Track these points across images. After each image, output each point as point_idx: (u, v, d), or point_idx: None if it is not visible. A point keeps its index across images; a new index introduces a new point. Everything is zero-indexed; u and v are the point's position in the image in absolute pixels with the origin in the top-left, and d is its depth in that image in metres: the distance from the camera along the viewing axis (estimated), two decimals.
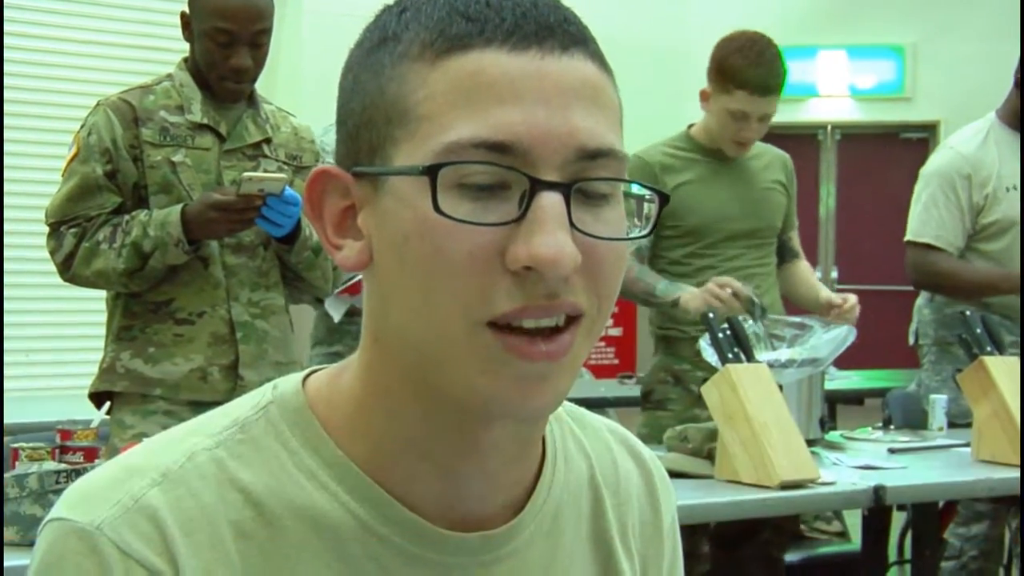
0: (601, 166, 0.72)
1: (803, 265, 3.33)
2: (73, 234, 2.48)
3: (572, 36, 0.73)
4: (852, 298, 3.09)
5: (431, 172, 0.70)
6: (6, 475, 1.96)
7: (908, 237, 3.52)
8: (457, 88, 0.71)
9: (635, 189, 0.76)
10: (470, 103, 0.70)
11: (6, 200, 5.75)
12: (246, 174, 2.42)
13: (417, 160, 0.71)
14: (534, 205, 0.70)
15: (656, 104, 6.94)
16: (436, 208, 0.70)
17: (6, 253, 5.79)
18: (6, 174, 5.84)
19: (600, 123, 0.72)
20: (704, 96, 3.12)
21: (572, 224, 0.71)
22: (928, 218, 3.46)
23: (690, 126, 3.22)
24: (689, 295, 2.91)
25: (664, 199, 0.76)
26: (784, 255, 3.29)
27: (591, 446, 0.87)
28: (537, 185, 0.70)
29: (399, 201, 0.72)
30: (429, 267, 0.71)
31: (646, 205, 0.76)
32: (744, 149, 3.14)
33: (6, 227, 5.72)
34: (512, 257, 0.70)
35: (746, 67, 2.99)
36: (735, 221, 3.12)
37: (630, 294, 3.09)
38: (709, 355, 2.65)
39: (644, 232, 0.76)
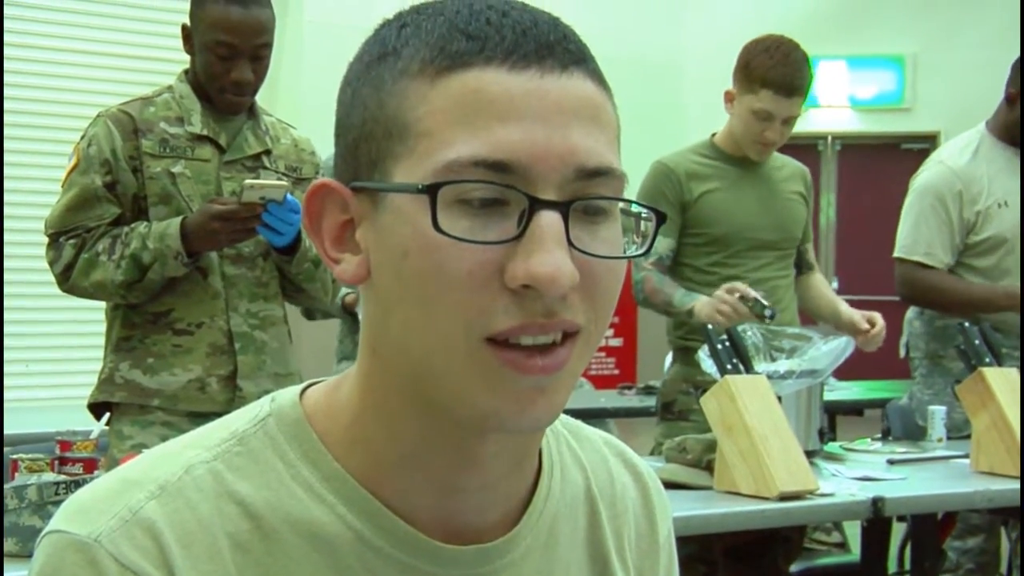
0: (600, 184, 0.73)
1: (819, 278, 3.34)
2: (72, 245, 2.48)
3: (572, 55, 0.74)
4: (879, 322, 3.07)
5: (431, 191, 0.70)
6: (5, 486, 1.96)
7: (898, 253, 3.51)
8: (457, 105, 0.71)
9: (633, 207, 0.76)
10: (470, 121, 0.71)
11: (6, 211, 5.76)
12: (248, 181, 2.42)
13: (417, 177, 0.71)
14: (533, 224, 0.70)
15: (651, 119, 6.95)
16: (436, 226, 0.70)
17: (6, 264, 5.81)
18: (6, 184, 5.85)
19: (599, 142, 0.73)
20: (728, 97, 3.12)
21: (570, 243, 0.71)
22: (918, 235, 3.45)
23: (713, 135, 3.22)
24: (701, 304, 2.92)
25: (661, 218, 0.76)
26: (800, 266, 3.29)
27: (587, 459, 0.88)
28: (536, 204, 0.71)
29: (398, 217, 0.72)
30: (428, 283, 0.71)
31: (643, 223, 0.77)
32: (767, 152, 3.14)
33: (6, 237, 5.73)
34: (511, 275, 0.70)
35: (772, 66, 3.00)
36: (760, 230, 3.13)
37: (651, 305, 3.11)
38: (708, 366, 2.65)
39: (641, 250, 0.76)
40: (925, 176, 3.53)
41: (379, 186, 0.73)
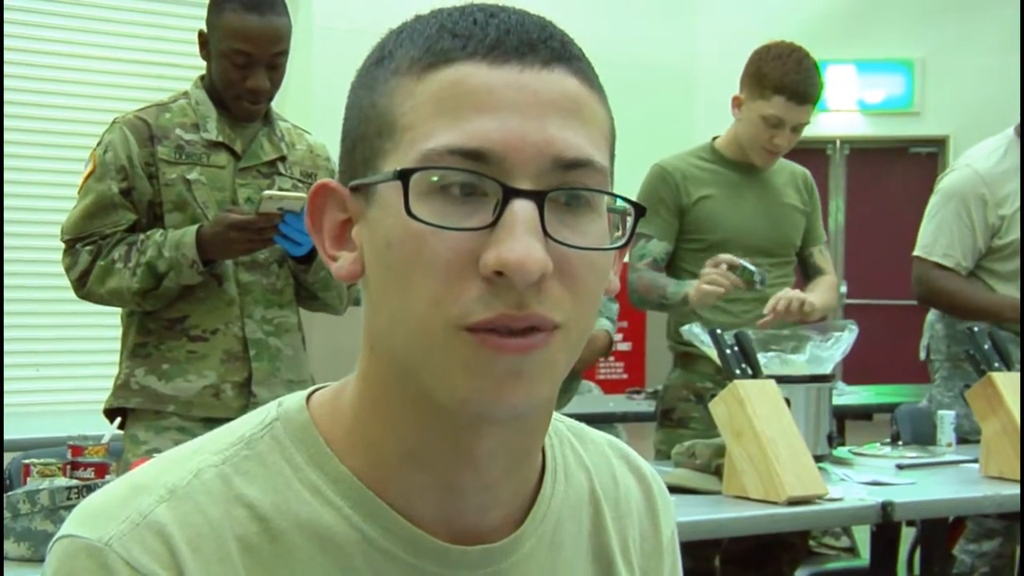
0: (579, 177, 0.74)
1: (825, 280, 3.24)
2: (88, 252, 2.49)
3: (554, 52, 0.75)
4: (784, 298, 2.94)
5: (403, 177, 0.72)
6: (17, 491, 1.98)
7: (917, 252, 3.49)
8: (438, 98, 0.73)
9: (617, 202, 0.77)
10: (448, 112, 0.73)
11: (19, 215, 5.79)
12: (266, 192, 2.42)
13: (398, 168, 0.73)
14: (506, 212, 0.72)
15: (662, 123, 6.97)
16: (408, 211, 0.72)
17: (19, 268, 5.84)
18: (20, 189, 5.88)
19: (579, 135, 0.74)
20: (736, 103, 3.10)
21: (546, 233, 0.72)
22: (939, 236, 3.44)
23: (714, 138, 3.21)
24: (694, 290, 2.91)
25: (640, 211, 0.77)
26: (809, 272, 3.25)
27: (591, 461, 0.89)
28: (510, 193, 0.72)
29: (383, 209, 0.74)
30: (408, 271, 0.73)
31: (627, 219, 0.77)
32: (773, 159, 3.13)
33: (18, 242, 5.76)
34: (483, 262, 0.71)
35: (785, 73, 3.00)
36: (758, 237, 3.12)
37: (646, 303, 3.11)
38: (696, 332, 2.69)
39: (620, 243, 0.77)
40: (951, 178, 3.51)
41: (365, 180, 0.75)
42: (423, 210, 0.72)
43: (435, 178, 0.72)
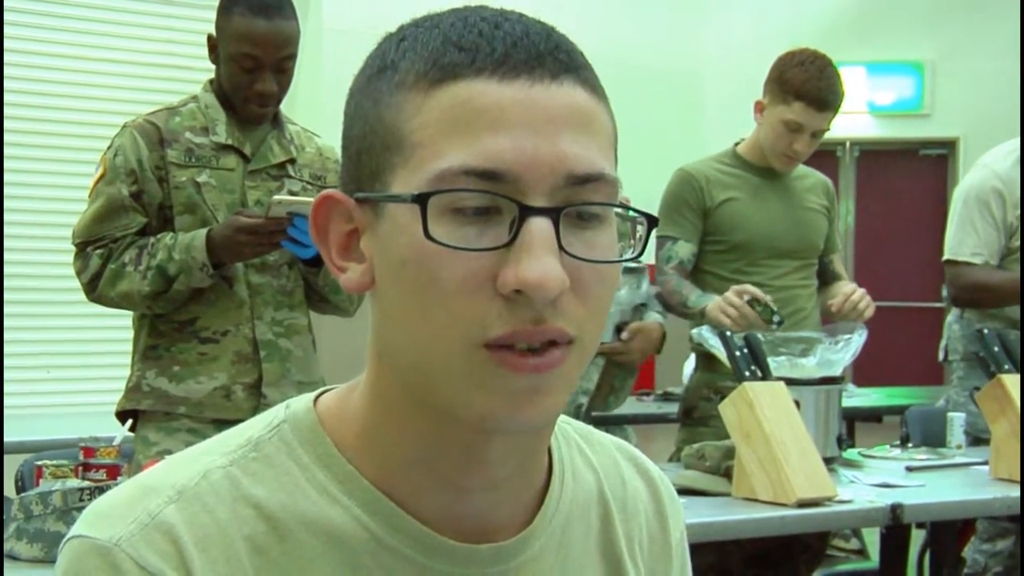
0: (591, 190, 0.74)
1: (841, 285, 3.29)
2: (99, 255, 2.50)
3: (562, 64, 0.75)
4: (855, 293, 3.02)
5: (421, 200, 0.72)
6: (30, 492, 1.99)
7: (946, 256, 3.53)
8: (449, 116, 0.73)
9: (629, 212, 0.77)
10: (461, 131, 0.73)
11: (29, 218, 5.82)
12: (275, 197, 2.44)
13: (411, 187, 0.73)
14: (523, 230, 0.72)
15: (671, 125, 6.97)
16: (427, 235, 0.72)
17: (30, 270, 5.86)
18: (31, 192, 5.91)
19: (590, 149, 0.74)
20: (759, 107, 3.13)
21: (561, 248, 0.73)
22: (964, 235, 3.48)
23: (736, 143, 3.23)
24: (713, 305, 2.94)
25: (653, 222, 0.77)
26: (826, 277, 3.29)
27: (599, 462, 0.89)
28: (526, 211, 0.72)
29: (396, 227, 0.74)
30: (425, 292, 0.73)
31: (638, 227, 0.78)
32: (792, 164, 3.16)
33: (29, 244, 5.78)
34: (502, 281, 0.72)
35: (807, 79, 3.02)
36: (781, 239, 3.14)
37: (669, 307, 3.14)
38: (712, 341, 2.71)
39: (635, 254, 0.78)
40: (969, 179, 3.57)
41: (377, 196, 0.75)
42: (438, 231, 0.72)
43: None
